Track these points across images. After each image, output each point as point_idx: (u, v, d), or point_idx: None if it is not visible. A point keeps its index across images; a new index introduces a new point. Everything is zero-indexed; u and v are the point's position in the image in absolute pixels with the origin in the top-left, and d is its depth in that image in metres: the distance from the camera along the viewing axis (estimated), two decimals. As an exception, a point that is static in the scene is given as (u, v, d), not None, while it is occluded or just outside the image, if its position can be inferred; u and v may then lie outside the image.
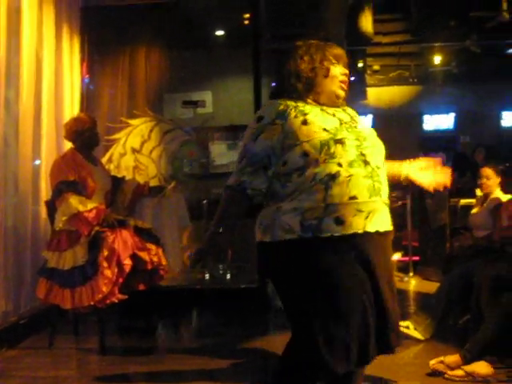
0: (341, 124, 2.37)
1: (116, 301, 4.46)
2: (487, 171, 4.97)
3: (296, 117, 2.32)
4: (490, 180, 4.91)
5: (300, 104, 2.39)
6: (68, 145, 4.95)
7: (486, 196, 4.98)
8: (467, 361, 3.67)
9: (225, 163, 6.87)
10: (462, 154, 10.04)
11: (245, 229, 6.56)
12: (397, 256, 7.88)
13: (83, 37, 6.18)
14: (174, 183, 5.56)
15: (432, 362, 3.74)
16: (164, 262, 4.71)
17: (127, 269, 4.44)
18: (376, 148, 2.43)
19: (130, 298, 4.62)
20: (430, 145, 12.41)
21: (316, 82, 2.44)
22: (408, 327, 4.39)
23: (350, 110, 2.54)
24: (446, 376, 3.66)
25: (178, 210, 5.55)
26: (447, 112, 12.65)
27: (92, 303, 4.38)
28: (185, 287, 5.82)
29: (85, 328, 4.94)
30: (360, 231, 2.24)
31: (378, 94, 12.32)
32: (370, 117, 12.45)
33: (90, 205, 4.47)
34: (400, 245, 7.43)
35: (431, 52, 10.89)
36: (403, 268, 7.08)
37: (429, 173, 2.71)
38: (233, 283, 6.03)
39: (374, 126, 12.38)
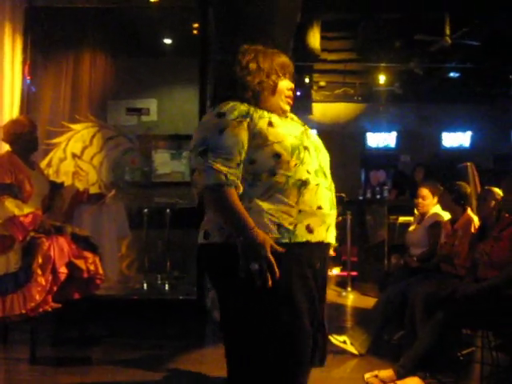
0: (301, 133, 2.36)
1: (49, 309, 4.34)
2: (424, 191, 5.09)
3: (261, 117, 2.30)
4: (427, 200, 5.03)
5: (257, 108, 2.36)
6: (5, 147, 4.81)
7: (423, 215, 5.10)
8: (400, 376, 3.73)
9: (168, 172, 6.82)
10: (402, 172, 10.28)
11: (183, 240, 6.52)
12: (336, 271, 7.98)
13: (26, 37, 6.02)
14: (114, 191, 5.47)
15: (367, 375, 3.79)
16: (101, 271, 4.62)
17: (62, 277, 4.33)
18: (327, 160, 2.47)
19: (64, 307, 4.51)
20: (372, 162, 12.66)
21: (262, 97, 2.41)
22: (345, 342, 4.44)
23: (297, 119, 2.54)
24: (379, 390, 3.71)
25: (117, 218, 5.46)
26: (389, 131, 12.93)
27: (24, 311, 4.24)
28: (122, 297, 5.71)
29: (15, 337, 4.78)
30: (325, 241, 2.30)
31: (324, 110, 12.49)
32: (314, 132, 12.59)
33: (27, 209, 4.34)
34: (339, 259, 7.53)
35: (376, 71, 11.13)
36: (341, 283, 7.18)
37: None
38: (171, 294, 5.96)
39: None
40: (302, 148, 2.29)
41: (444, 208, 4.88)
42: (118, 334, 5.06)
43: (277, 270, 2.12)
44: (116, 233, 5.45)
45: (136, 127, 6.66)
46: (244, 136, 2.24)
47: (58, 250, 4.31)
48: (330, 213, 2.33)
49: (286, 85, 2.47)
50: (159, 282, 6.31)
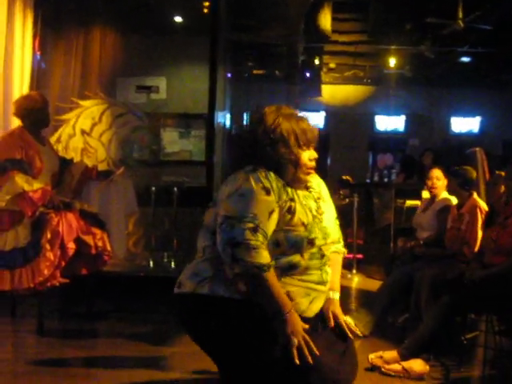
0: (313, 219, 2.35)
1: (57, 284, 4.39)
2: (437, 172, 5.08)
3: (285, 201, 2.28)
4: (440, 181, 5.02)
5: (283, 184, 2.33)
6: (16, 123, 4.82)
7: (433, 198, 5.09)
8: (404, 357, 3.76)
9: (176, 151, 6.82)
10: (410, 156, 10.23)
11: (190, 219, 6.54)
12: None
13: (37, 12, 5.99)
14: (122, 168, 5.47)
15: (371, 356, 3.83)
16: (109, 248, 4.66)
17: (70, 252, 4.37)
18: (334, 237, 2.49)
19: (72, 282, 4.55)
20: (380, 146, 12.63)
21: (284, 170, 2.36)
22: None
23: (313, 183, 2.50)
24: (383, 370, 3.74)
25: (125, 195, 5.46)
26: (398, 114, 12.87)
27: (32, 286, 4.29)
28: (128, 274, 5.75)
29: (23, 310, 4.84)
30: (303, 315, 2.27)
31: (333, 92, 12.43)
32: (322, 114, 12.56)
33: (36, 185, 4.37)
34: (345, 242, 7.55)
35: (386, 54, 11.04)
36: (347, 265, 7.18)
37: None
38: (177, 272, 5.98)
39: (327, 123, 12.52)
40: (305, 242, 2.27)
41: (450, 193, 4.87)
42: (124, 310, 5.12)
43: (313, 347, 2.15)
44: (124, 210, 5.46)
45: (145, 105, 6.66)
46: (277, 220, 2.25)
47: (67, 225, 4.34)
48: (317, 287, 2.33)
49: (308, 156, 2.41)
50: (165, 259, 6.34)
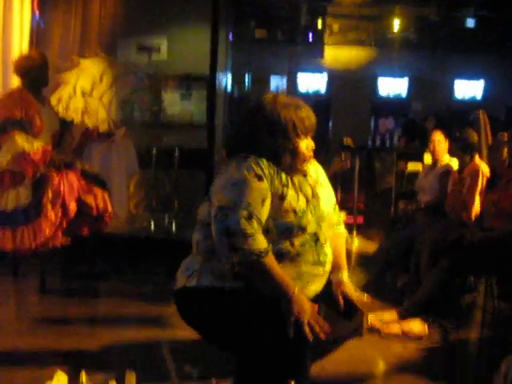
0: (307, 203, 2.32)
1: (59, 244, 4.40)
2: (438, 135, 5.06)
3: (277, 187, 2.26)
4: (441, 144, 4.99)
5: (276, 169, 2.30)
6: (16, 82, 4.78)
7: (435, 161, 5.08)
8: (403, 319, 3.81)
9: (177, 113, 6.77)
10: (412, 120, 10.19)
11: (191, 181, 6.53)
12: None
13: (36, -30, 5.89)
14: (123, 129, 5.44)
15: (370, 317, 3.85)
16: (110, 209, 4.66)
17: (72, 213, 4.37)
18: (330, 221, 2.47)
19: (73, 243, 4.57)
20: (382, 110, 12.54)
21: (281, 160, 2.33)
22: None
23: (310, 169, 2.48)
24: (381, 331, 3.78)
25: (126, 156, 5.43)
26: (402, 77, 12.76)
27: (34, 245, 4.31)
28: (129, 235, 5.77)
29: (25, 270, 4.87)
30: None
31: (336, 55, 12.28)
32: (325, 76, 12.44)
33: (37, 144, 4.35)
34: (346, 205, 7.55)
35: (390, 16, 10.89)
36: (347, 228, 7.20)
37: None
38: (178, 234, 6.01)
39: (329, 86, 12.41)
40: (295, 229, 2.25)
41: (452, 156, 4.86)
42: (126, 271, 5.15)
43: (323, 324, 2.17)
44: (125, 170, 5.44)
45: (146, 66, 6.58)
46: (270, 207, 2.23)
47: (68, 185, 4.33)
48: (310, 269, 2.31)
49: (305, 145, 2.38)
50: (166, 221, 6.35)
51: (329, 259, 2.41)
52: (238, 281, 2.23)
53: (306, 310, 2.18)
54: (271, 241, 2.22)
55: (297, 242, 2.27)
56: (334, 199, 2.61)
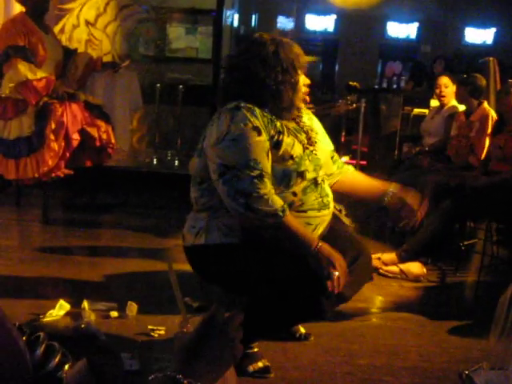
0: (304, 150, 2.31)
1: (61, 175, 4.41)
2: (445, 79, 4.99)
3: (273, 135, 2.24)
4: (448, 88, 4.93)
5: (271, 116, 2.28)
6: (18, 9, 4.67)
7: (442, 105, 5.02)
8: (403, 260, 3.83)
9: (182, 47, 6.65)
10: (421, 63, 10.01)
11: (194, 118, 6.47)
12: (344, 159, 7.98)
13: None
14: (128, 61, 5.35)
15: (369, 257, 3.89)
16: (113, 141, 4.64)
17: (75, 144, 4.36)
18: (328, 169, 2.48)
19: (76, 174, 4.57)
20: (390, 53, 12.32)
21: (282, 96, 2.31)
22: (340, 210, 4.48)
23: (304, 117, 2.46)
24: (380, 271, 3.82)
25: (130, 89, 5.36)
26: (411, 21, 12.48)
27: (37, 175, 4.31)
28: (132, 169, 5.77)
29: (28, 201, 4.89)
30: None
31: (345, -5, 12.00)
32: (333, 17, 12.18)
33: (40, 74, 4.29)
34: (349, 148, 7.51)
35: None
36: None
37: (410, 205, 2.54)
38: (180, 169, 6.01)
39: (338, 26, 12.16)
40: (294, 175, 2.25)
41: (460, 101, 4.80)
42: (128, 204, 5.17)
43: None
44: (128, 104, 5.38)
45: (152, -3, 6.42)
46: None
47: (71, 116, 4.29)
48: (319, 214, 2.34)
49: (302, 80, 2.38)
50: (169, 158, 6.33)
51: (330, 198, 2.44)
52: (246, 234, 2.27)
53: (336, 258, 2.19)
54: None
55: (298, 190, 2.29)
56: (332, 146, 2.61)
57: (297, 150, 2.29)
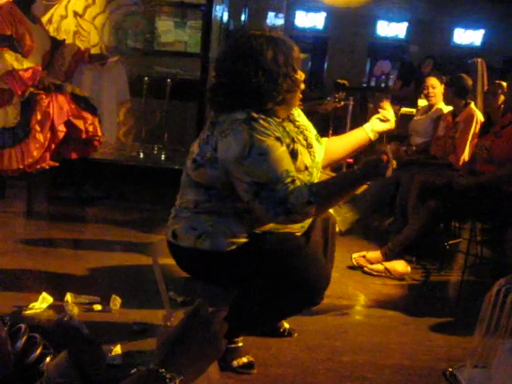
0: (311, 159, 2.33)
1: (47, 167, 4.38)
2: (432, 80, 5.01)
3: (289, 144, 2.23)
4: (436, 89, 4.95)
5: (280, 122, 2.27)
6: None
7: (431, 106, 5.04)
8: (387, 258, 3.85)
9: (171, 41, 6.61)
10: (409, 63, 10.04)
11: (182, 112, 6.43)
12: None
13: None
14: (117, 57, 5.30)
15: (355, 255, 3.91)
16: (99, 133, 4.60)
17: (61, 135, 4.32)
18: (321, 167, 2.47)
19: (62, 167, 4.54)
20: (379, 52, 12.35)
21: (289, 103, 2.29)
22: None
23: (295, 113, 2.44)
24: (365, 269, 3.84)
25: (118, 82, 5.31)
26: (400, 20, 12.52)
27: (21, 167, 4.27)
28: (118, 162, 5.73)
29: (12, 192, 4.84)
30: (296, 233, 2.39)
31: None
32: (323, 14, 12.18)
33: (27, 64, 4.24)
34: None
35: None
36: (336, 168, 7.18)
37: (387, 118, 2.63)
38: (167, 163, 5.98)
39: (327, 24, 12.17)
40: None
41: (447, 102, 4.82)
42: (113, 197, 5.14)
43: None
44: (116, 96, 5.34)
45: (141, -10, 6.38)
46: None
47: (58, 107, 4.26)
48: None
49: (300, 77, 2.32)
50: (155, 151, 6.30)
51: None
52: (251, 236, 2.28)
53: (379, 168, 2.13)
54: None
55: None
56: (315, 130, 2.58)
57: (308, 159, 2.30)
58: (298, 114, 2.48)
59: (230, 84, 2.24)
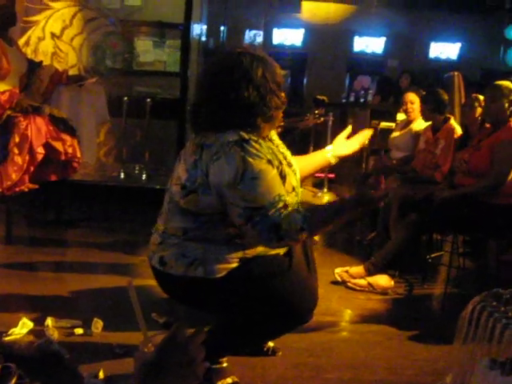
0: (296, 180, 2.33)
1: (26, 190, 4.33)
2: (410, 96, 5.06)
3: (278, 166, 2.22)
4: (414, 104, 5.00)
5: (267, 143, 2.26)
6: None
7: (410, 121, 5.08)
8: (370, 273, 3.84)
9: (150, 61, 6.62)
10: (388, 78, 10.14)
11: (162, 131, 6.43)
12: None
13: None
14: (95, 79, 5.29)
15: (337, 270, 3.90)
16: (79, 155, 4.57)
17: (39, 157, 4.29)
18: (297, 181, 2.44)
19: (41, 189, 4.50)
20: (357, 67, 12.45)
21: (275, 120, 2.29)
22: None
23: (271, 134, 2.41)
24: (348, 284, 3.83)
25: (97, 102, 5.30)
26: (379, 35, 12.65)
27: (0, 190, 4.22)
28: (99, 183, 5.70)
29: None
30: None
31: (313, 9, 12.09)
32: (301, 31, 12.27)
33: (3, 87, 4.22)
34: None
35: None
36: (318, 184, 7.22)
37: (351, 141, 2.67)
38: (148, 183, 5.97)
39: (306, 40, 12.26)
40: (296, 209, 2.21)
41: (425, 119, 4.82)
42: (94, 219, 5.10)
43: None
44: (95, 117, 5.32)
45: (119, 11, 6.38)
46: None
47: (36, 129, 4.23)
48: None
49: (283, 98, 2.31)
50: (136, 171, 6.28)
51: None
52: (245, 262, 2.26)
53: (364, 196, 2.18)
54: None
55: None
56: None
57: (293, 179, 2.29)
58: (273, 133, 2.44)
59: (218, 99, 2.20)
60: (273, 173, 2.13)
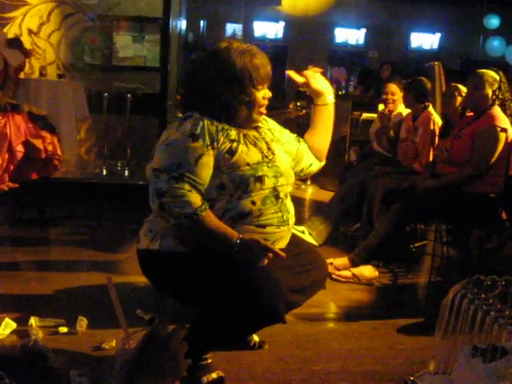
0: (263, 158, 2.30)
1: (6, 189, 4.29)
2: (392, 87, 5.07)
3: (224, 143, 2.22)
4: (395, 95, 5.01)
5: (224, 126, 2.26)
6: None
7: (391, 111, 5.09)
8: (355, 264, 3.85)
9: (129, 56, 6.57)
10: (368, 69, 10.15)
11: (144, 127, 6.40)
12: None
13: None
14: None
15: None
16: (59, 152, 4.53)
17: (19, 156, 4.25)
18: (288, 178, 2.42)
19: (22, 188, 4.45)
20: (338, 59, 12.46)
21: (234, 112, 2.29)
22: (303, 232, 4.51)
23: (264, 127, 2.45)
24: (333, 276, 3.83)
25: (76, 99, 5.26)
26: (359, 27, 12.67)
27: (-21, 190, 4.18)
28: (81, 181, 5.65)
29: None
30: None
31: (294, 1, 12.09)
32: (282, 24, 12.26)
33: (-20, 85, 4.17)
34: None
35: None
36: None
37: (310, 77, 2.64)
38: (131, 180, 5.93)
39: (286, 33, 12.25)
40: (252, 180, 2.22)
41: (407, 106, 4.87)
42: (77, 216, 5.06)
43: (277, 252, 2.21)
44: (74, 114, 5.28)
45: (97, 6, 6.32)
46: (212, 164, 2.20)
47: (15, 128, 4.18)
48: (278, 230, 2.33)
49: (262, 94, 2.32)
50: (119, 168, 6.24)
51: (291, 215, 2.42)
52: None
53: (258, 248, 2.18)
54: (230, 198, 2.22)
55: (257, 198, 2.26)
56: (293, 135, 2.60)
57: (254, 158, 2.27)
58: (269, 128, 2.49)
59: (190, 85, 2.33)
60: (187, 144, 2.17)
